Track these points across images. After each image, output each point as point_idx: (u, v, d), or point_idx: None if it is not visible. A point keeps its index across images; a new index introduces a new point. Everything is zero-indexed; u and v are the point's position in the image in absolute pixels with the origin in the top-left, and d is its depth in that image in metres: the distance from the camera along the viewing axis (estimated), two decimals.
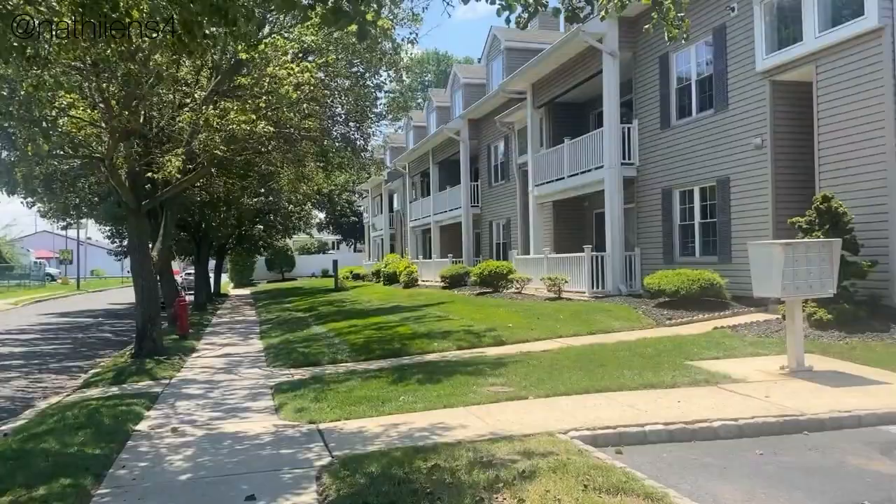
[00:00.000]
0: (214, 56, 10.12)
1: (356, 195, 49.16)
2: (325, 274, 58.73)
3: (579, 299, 16.90)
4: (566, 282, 17.47)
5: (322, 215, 55.96)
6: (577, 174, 19.37)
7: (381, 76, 16.22)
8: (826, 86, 11.92)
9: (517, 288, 20.16)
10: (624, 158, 17.61)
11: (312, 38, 10.69)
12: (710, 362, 9.29)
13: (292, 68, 9.69)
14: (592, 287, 17.34)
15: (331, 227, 63.84)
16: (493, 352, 11.18)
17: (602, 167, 17.80)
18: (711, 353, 9.84)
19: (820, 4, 11.93)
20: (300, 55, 11.08)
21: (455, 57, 71.00)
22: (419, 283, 30.04)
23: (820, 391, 7.59)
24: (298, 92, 9.90)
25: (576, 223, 22.83)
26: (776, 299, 13.13)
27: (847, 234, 10.73)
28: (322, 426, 6.89)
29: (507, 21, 6.02)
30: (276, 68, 9.80)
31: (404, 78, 15.93)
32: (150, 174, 12.98)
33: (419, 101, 48.97)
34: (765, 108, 13.37)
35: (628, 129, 17.69)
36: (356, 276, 44.17)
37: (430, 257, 34.01)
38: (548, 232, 22.65)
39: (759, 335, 11.06)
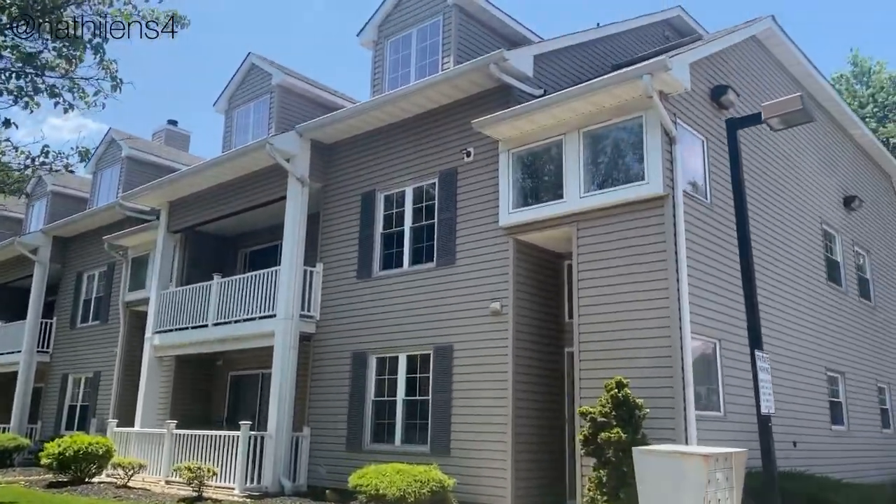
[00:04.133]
0: None
1: None
2: None
3: (229, 499, 11.80)
4: (215, 475, 12.20)
5: None
6: (228, 322, 14.78)
7: None
8: (591, 251, 10.38)
9: (118, 478, 13.81)
10: (302, 309, 13.83)
11: None
12: None
13: None
14: (247, 480, 12.44)
15: None
16: None
17: (274, 316, 13.67)
18: None
19: (587, 162, 10.65)
20: None
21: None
22: None
23: None
24: None
25: (201, 388, 17.58)
26: None
27: (639, 434, 8.68)
28: None
29: None
30: None
31: None
32: None
33: None
34: (506, 267, 11.32)
35: (310, 272, 14.14)
36: None
37: None
38: (164, 397, 16.87)
39: None
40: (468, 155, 12.29)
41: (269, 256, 17.32)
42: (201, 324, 15.38)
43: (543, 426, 11.22)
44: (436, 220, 12.60)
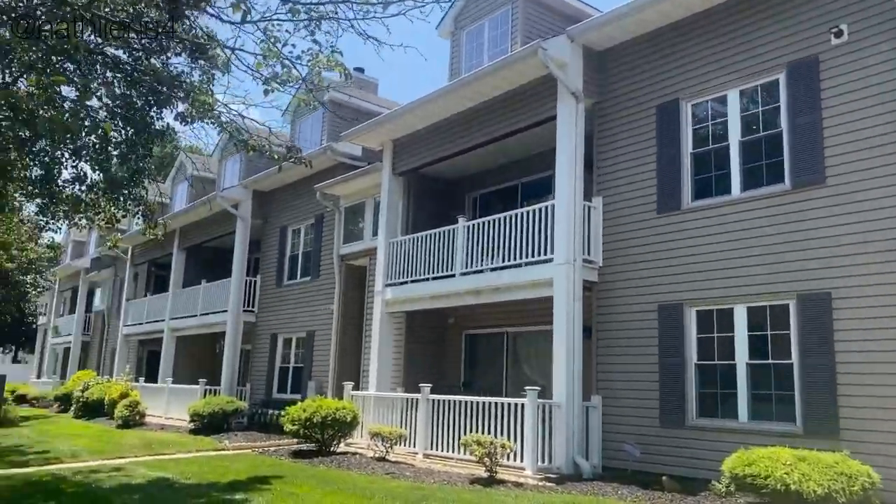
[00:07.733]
0: None
1: (48, 277, 35.28)
2: None
3: (530, 483, 9.49)
4: (512, 451, 9.96)
5: None
6: (480, 271, 12.52)
7: None
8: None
9: (373, 449, 11.99)
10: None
11: None
12: None
13: None
14: (537, 460, 10.11)
15: None
16: None
17: (550, 261, 11.18)
18: None
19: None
20: None
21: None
22: (146, 419, 19.60)
23: None
24: None
25: (432, 349, 15.60)
26: None
27: None
28: None
29: None
30: None
31: None
32: None
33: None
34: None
35: (588, 208, 11.49)
36: (21, 399, 30.50)
37: (155, 380, 23.64)
38: (396, 359, 15.01)
39: None
40: (838, 35, 9.08)
41: (504, 199, 15.00)
42: (445, 274, 13.24)
43: None
44: (785, 127, 9.51)
